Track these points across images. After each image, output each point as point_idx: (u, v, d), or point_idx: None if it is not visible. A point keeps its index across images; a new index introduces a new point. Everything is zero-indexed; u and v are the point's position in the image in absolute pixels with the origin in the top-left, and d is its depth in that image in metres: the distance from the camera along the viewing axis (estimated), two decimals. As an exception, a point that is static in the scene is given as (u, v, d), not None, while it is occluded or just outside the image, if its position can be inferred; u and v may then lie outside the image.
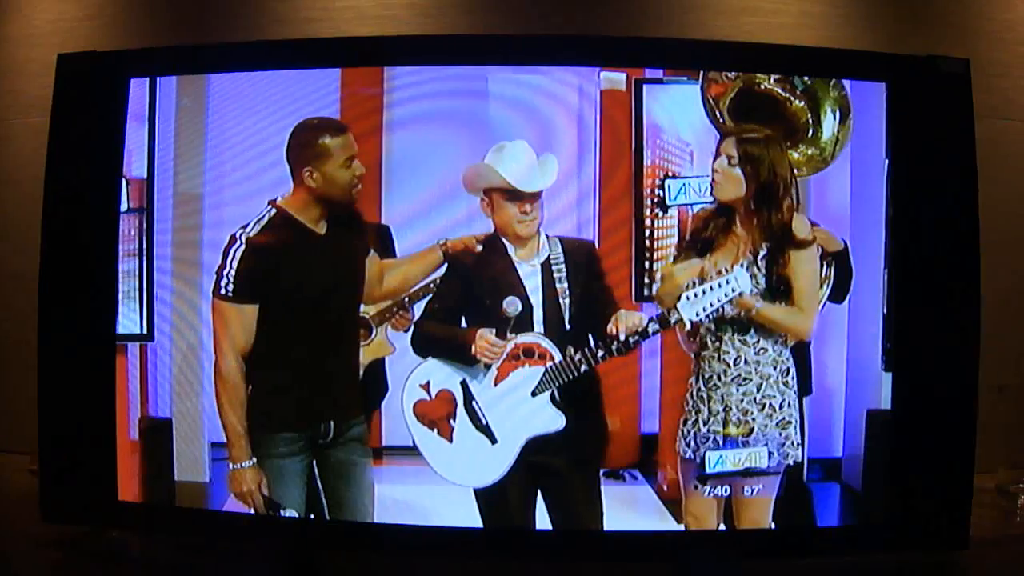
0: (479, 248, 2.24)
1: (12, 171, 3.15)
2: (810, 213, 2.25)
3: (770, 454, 2.16)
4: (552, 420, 2.19)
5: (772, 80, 2.29)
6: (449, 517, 2.24)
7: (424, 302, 2.31)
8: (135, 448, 2.39)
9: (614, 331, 2.14)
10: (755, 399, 2.16)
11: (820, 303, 2.23)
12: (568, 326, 2.19)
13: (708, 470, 2.18)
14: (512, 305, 2.16)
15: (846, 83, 2.29)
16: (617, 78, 2.39)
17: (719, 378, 2.18)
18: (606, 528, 2.23)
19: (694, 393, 2.21)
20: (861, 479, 2.32)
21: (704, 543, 2.28)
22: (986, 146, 2.29)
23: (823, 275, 2.23)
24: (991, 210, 2.24)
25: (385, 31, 2.98)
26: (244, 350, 2.12)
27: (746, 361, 2.16)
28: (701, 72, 2.29)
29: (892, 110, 2.21)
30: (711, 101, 2.29)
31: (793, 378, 2.18)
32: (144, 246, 2.32)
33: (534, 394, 2.19)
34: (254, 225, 2.12)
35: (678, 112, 2.37)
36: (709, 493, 2.20)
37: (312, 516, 2.20)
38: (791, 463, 2.18)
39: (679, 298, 2.11)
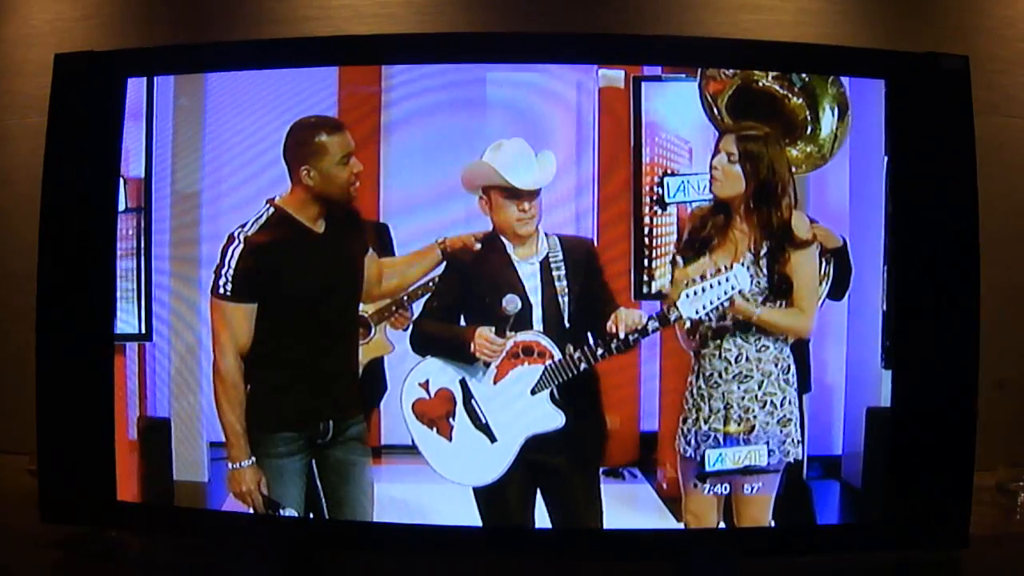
0: (478, 246, 2.24)
1: (9, 171, 3.14)
2: (809, 210, 2.24)
3: (770, 452, 2.16)
4: (551, 418, 2.18)
5: (770, 77, 2.28)
6: (448, 516, 2.23)
7: (423, 301, 2.30)
8: (134, 448, 2.39)
9: (614, 329, 2.13)
10: (756, 396, 2.16)
11: (819, 300, 2.23)
12: (567, 324, 2.19)
13: (708, 468, 2.18)
14: (511, 303, 2.16)
15: (845, 80, 2.28)
16: (615, 76, 2.38)
17: (720, 375, 2.17)
18: (606, 527, 2.23)
19: (694, 391, 2.21)
20: (861, 477, 2.32)
21: (704, 541, 2.27)
22: (986, 143, 2.28)
23: (822, 272, 2.23)
24: (990, 207, 2.24)
25: (383, 29, 2.98)
26: (243, 349, 2.12)
27: (747, 358, 2.16)
28: (699, 69, 2.28)
29: (891, 107, 2.20)
30: (709, 98, 2.28)
31: (794, 375, 2.18)
32: (142, 246, 2.32)
33: (533, 392, 2.19)
34: (252, 224, 2.12)
35: (676, 109, 2.37)
36: (709, 491, 2.20)
37: (311, 515, 2.20)
38: (791, 461, 2.18)
39: (679, 296, 2.11)
